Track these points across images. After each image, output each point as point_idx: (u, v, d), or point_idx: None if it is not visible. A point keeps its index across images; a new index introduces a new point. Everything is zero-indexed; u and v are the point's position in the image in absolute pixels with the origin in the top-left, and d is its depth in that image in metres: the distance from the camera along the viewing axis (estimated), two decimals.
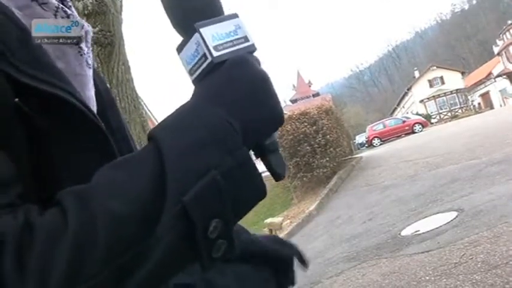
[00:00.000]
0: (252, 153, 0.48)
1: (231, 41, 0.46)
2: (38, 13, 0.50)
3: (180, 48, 0.48)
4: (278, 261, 0.69)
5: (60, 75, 0.47)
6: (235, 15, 0.48)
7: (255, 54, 0.48)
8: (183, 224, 0.37)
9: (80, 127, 0.47)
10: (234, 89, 0.44)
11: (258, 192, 0.43)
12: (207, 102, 0.43)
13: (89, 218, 0.35)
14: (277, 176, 0.49)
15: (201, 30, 0.45)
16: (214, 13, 0.47)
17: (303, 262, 0.72)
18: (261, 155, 0.48)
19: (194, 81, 0.47)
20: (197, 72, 0.47)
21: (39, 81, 0.43)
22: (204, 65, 0.46)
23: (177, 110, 0.44)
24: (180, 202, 0.37)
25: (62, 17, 0.53)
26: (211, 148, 0.40)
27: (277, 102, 0.46)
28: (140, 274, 0.37)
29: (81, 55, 0.55)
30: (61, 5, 0.53)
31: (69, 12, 0.54)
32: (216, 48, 0.45)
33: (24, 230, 0.34)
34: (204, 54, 0.45)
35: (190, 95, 0.46)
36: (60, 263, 0.33)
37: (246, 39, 0.47)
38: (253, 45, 0.48)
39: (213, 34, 0.45)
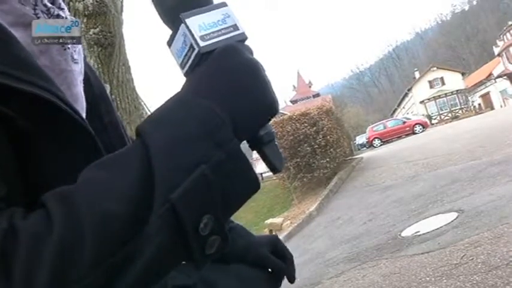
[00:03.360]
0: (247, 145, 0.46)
1: (219, 30, 0.45)
2: (15, 8, 0.48)
3: (170, 42, 0.47)
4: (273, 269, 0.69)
5: (40, 73, 0.45)
6: (223, 4, 0.46)
7: (246, 43, 0.47)
8: (173, 222, 0.36)
9: (63, 127, 0.45)
10: (222, 78, 0.43)
11: (250, 185, 0.41)
12: (194, 94, 0.42)
13: (74, 219, 0.34)
14: (273, 168, 0.47)
15: (187, 20, 0.44)
16: (201, 3, 0.45)
17: (290, 278, 0.70)
18: (256, 146, 0.46)
19: (185, 75, 0.46)
20: (187, 65, 0.45)
21: (17, 80, 0.41)
22: (193, 56, 0.44)
23: (164, 103, 0.42)
24: (168, 200, 0.36)
25: (42, 11, 0.51)
26: (200, 142, 0.38)
27: (268, 91, 0.44)
28: (131, 274, 0.35)
29: (64, 49, 0.53)
30: None
31: (49, 5, 0.52)
32: (202, 38, 0.43)
33: (8, 235, 0.33)
34: (191, 45, 0.44)
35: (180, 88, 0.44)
36: (46, 267, 0.32)
37: (235, 27, 0.46)
38: (243, 33, 0.46)
39: (199, 24, 0.44)
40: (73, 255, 0.33)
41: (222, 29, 0.45)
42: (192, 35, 0.43)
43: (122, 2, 2.92)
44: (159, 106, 0.42)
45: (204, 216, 0.37)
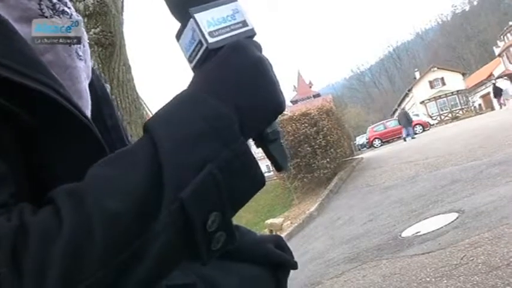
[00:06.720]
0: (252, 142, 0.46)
1: (228, 26, 0.44)
2: (21, 3, 0.48)
3: (178, 35, 0.46)
4: (279, 264, 0.70)
5: (43, 69, 0.45)
6: None
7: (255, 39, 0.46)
8: (181, 219, 0.37)
9: (66, 125, 0.45)
10: (229, 76, 0.42)
11: (256, 183, 0.42)
12: (202, 91, 0.42)
13: (83, 216, 0.34)
14: (279, 166, 0.47)
15: (196, 15, 0.43)
16: None
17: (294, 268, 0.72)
18: (262, 144, 0.46)
19: (193, 69, 0.46)
20: (195, 60, 0.45)
21: (20, 74, 0.41)
22: (201, 52, 0.44)
23: (172, 100, 0.42)
24: (178, 199, 0.36)
25: (47, 6, 0.51)
26: (207, 140, 0.39)
27: (276, 89, 0.44)
28: (139, 271, 0.36)
29: (69, 45, 0.53)
30: None
31: (54, 1, 0.52)
32: (211, 34, 0.43)
33: (19, 231, 0.33)
34: (200, 41, 0.43)
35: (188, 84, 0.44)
36: (56, 264, 0.32)
37: (244, 23, 0.45)
38: (252, 29, 0.45)
39: (208, 19, 0.43)
40: (82, 252, 0.33)
41: (231, 25, 0.44)
42: (201, 31, 0.43)
43: (122, 2, 2.92)
44: (167, 102, 0.42)
45: (211, 214, 0.38)
